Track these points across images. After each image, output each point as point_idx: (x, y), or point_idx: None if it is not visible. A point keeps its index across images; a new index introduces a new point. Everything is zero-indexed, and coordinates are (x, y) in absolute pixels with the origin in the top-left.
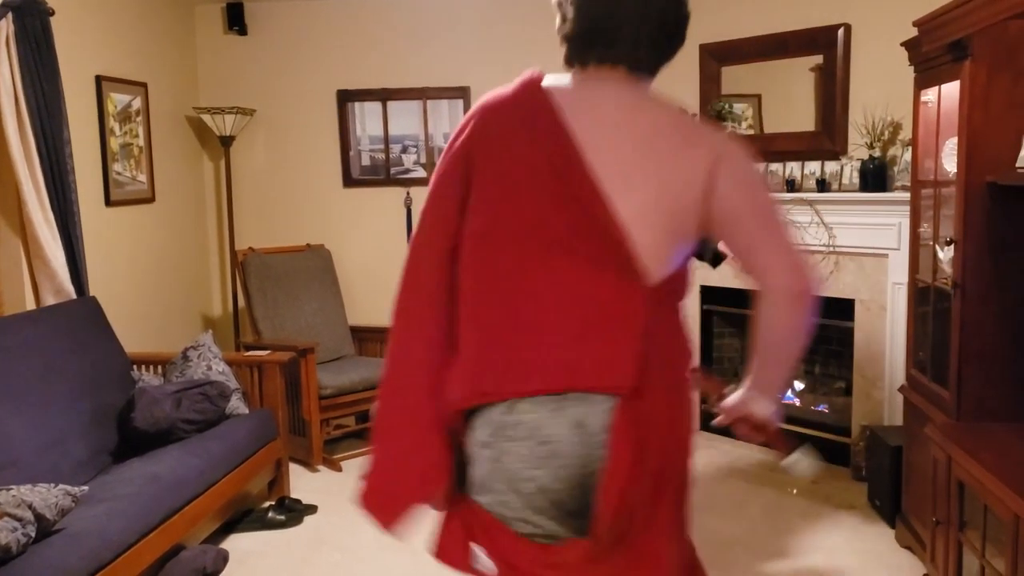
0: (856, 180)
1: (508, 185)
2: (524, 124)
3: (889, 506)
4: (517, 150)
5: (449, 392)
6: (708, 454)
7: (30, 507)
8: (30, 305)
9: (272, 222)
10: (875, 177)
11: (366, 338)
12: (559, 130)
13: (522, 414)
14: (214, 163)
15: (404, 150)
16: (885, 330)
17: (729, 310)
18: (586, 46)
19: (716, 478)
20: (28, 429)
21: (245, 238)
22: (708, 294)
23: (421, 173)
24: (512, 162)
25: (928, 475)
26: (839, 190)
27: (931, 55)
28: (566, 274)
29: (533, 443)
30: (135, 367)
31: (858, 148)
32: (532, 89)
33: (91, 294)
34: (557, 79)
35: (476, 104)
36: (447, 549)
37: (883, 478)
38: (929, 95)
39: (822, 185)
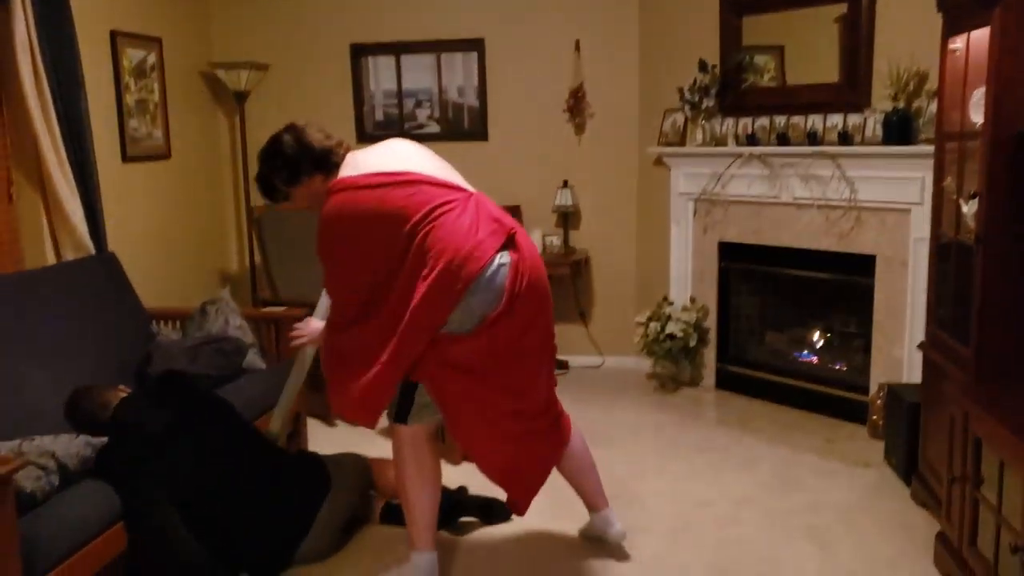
0: (879, 133)
1: None
2: None
3: (905, 464)
4: None
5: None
6: (721, 411)
7: (53, 456)
8: (50, 261)
9: None
10: (899, 129)
11: None
12: None
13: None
14: (229, 119)
15: (418, 104)
16: (906, 287)
17: (748, 266)
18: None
19: (730, 435)
20: (51, 381)
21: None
22: (726, 251)
23: (435, 128)
24: None
25: (945, 433)
26: (862, 143)
27: (960, 1)
28: None
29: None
30: (153, 321)
31: (882, 100)
32: None
33: (110, 250)
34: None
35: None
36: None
37: (900, 436)
38: (957, 43)
39: (844, 138)
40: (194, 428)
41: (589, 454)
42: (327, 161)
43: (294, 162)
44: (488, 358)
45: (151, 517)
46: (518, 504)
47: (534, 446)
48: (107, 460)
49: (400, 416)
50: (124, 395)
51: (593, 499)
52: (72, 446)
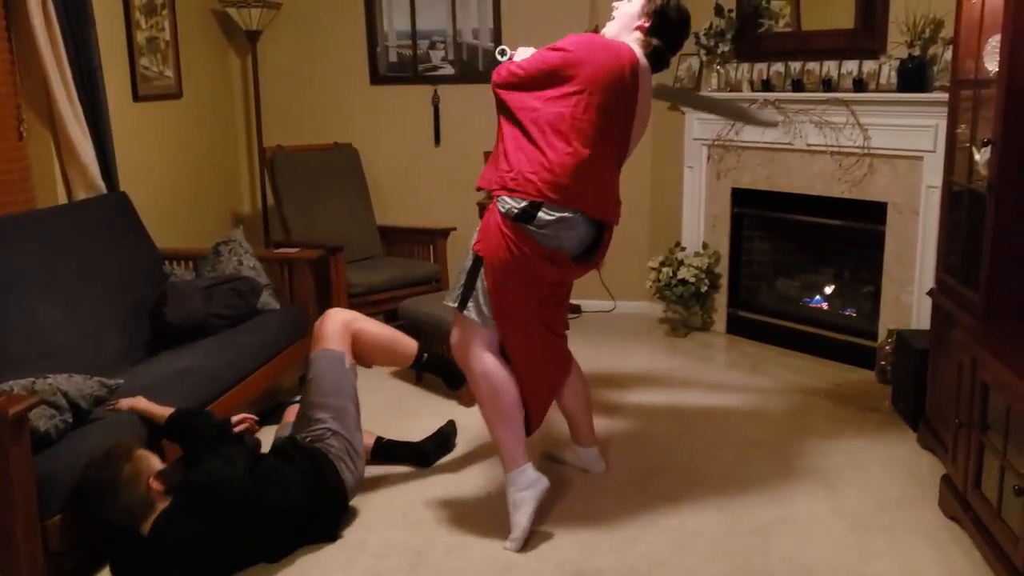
0: (894, 80)
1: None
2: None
3: (912, 409)
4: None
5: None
6: (731, 356)
7: (65, 395)
8: (62, 200)
9: (299, 119)
10: (914, 77)
11: (394, 238)
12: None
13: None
14: (241, 59)
15: (432, 46)
16: (917, 234)
17: (760, 213)
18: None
19: (741, 379)
20: (64, 320)
21: (272, 135)
22: (739, 197)
23: (449, 70)
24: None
25: (953, 378)
26: (876, 90)
27: None
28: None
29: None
30: (167, 262)
31: (898, 47)
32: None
33: (121, 190)
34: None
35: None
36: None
37: (908, 381)
38: None
39: (859, 85)
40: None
41: (590, 392)
42: (662, 45)
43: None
44: (552, 273)
45: None
46: (530, 422)
47: (560, 361)
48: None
49: (463, 302)
50: (161, 497)
51: (589, 435)
52: (85, 386)
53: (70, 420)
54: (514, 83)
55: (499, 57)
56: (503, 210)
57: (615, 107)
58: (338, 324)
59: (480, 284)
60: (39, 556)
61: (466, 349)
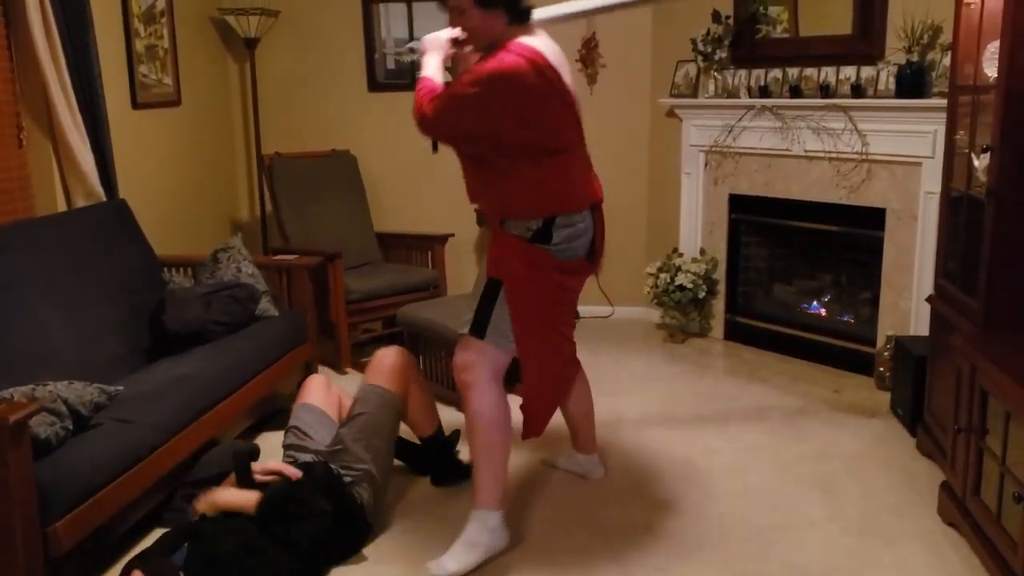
0: (892, 86)
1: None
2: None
3: (911, 415)
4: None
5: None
6: (729, 362)
7: (65, 402)
8: (61, 207)
9: (297, 126)
10: (912, 83)
11: (392, 245)
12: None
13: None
14: (239, 66)
15: None
16: (915, 240)
17: (758, 219)
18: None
19: (738, 385)
20: (64, 327)
21: (271, 142)
22: (737, 203)
23: (446, 77)
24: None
25: (951, 384)
26: (874, 96)
27: None
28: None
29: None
30: (165, 269)
31: (896, 52)
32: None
33: (121, 197)
34: (538, 42)
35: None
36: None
37: (906, 387)
38: None
39: (857, 91)
40: None
41: (592, 400)
42: (521, 10)
43: None
44: (569, 281)
45: None
46: (537, 426)
47: (571, 367)
48: None
49: (478, 327)
50: None
51: (590, 442)
52: (85, 393)
53: (70, 427)
54: (448, 137)
55: (410, 56)
56: (518, 234)
57: (552, 105)
58: (402, 366)
59: (497, 308)
60: (39, 563)
61: (471, 377)
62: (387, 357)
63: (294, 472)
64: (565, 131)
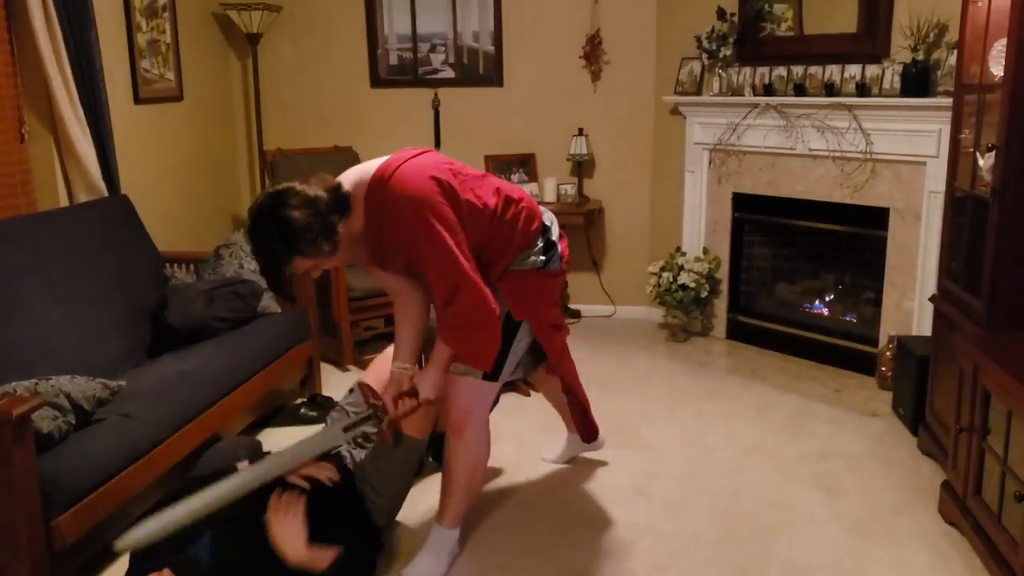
0: (897, 85)
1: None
2: None
3: (913, 414)
4: None
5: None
6: (731, 361)
7: (68, 397)
8: (63, 202)
9: (299, 123)
10: (917, 81)
11: None
12: None
13: None
14: (241, 62)
15: (432, 49)
16: (919, 240)
17: (761, 218)
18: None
19: (740, 384)
20: (66, 323)
21: (273, 138)
22: (740, 202)
23: (450, 73)
24: None
25: (954, 384)
26: (879, 95)
27: None
28: None
29: None
30: (168, 265)
31: (901, 51)
32: None
33: (122, 193)
34: (359, 175)
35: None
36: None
37: (908, 387)
38: None
39: (862, 89)
40: None
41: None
42: (342, 198)
43: (323, 222)
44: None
45: None
46: (591, 421)
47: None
48: None
49: (495, 374)
50: None
51: None
52: (88, 388)
53: (73, 422)
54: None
55: None
56: (530, 265)
57: (459, 212)
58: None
59: (514, 346)
60: (43, 557)
61: (469, 421)
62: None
63: (331, 476)
64: (481, 183)
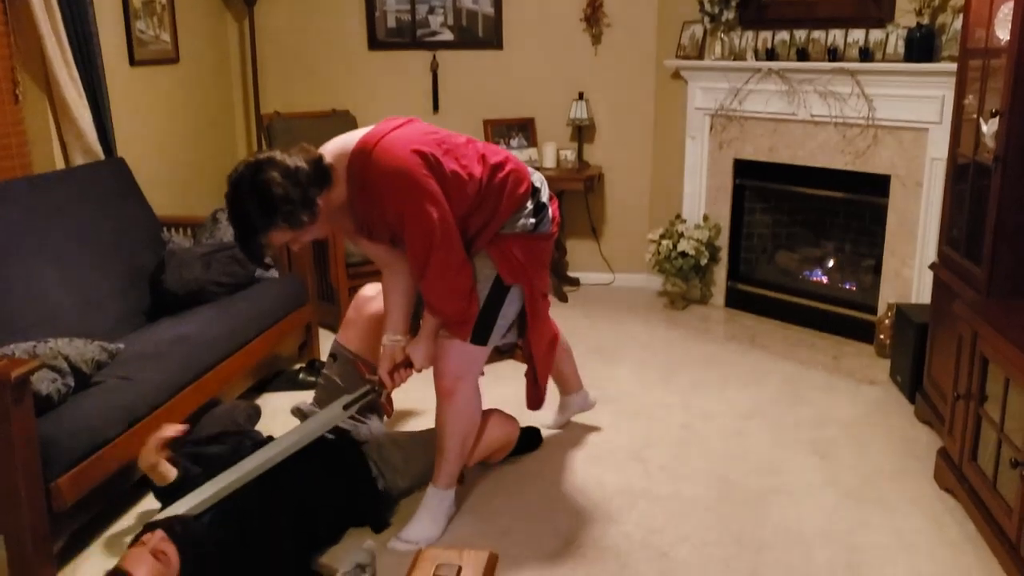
0: (901, 50)
1: None
2: None
3: (910, 382)
4: None
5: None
6: (730, 328)
7: (67, 360)
8: (59, 165)
9: (297, 86)
10: (921, 47)
11: None
12: None
13: None
14: (238, 23)
15: (431, 11)
16: (920, 207)
17: (762, 184)
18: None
19: (738, 351)
20: (64, 286)
21: (270, 101)
22: (741, 168)
23: (448, 36)
24: None
25: (952, 351)
26: (883, 60)
27: None
28: None
29: None
30: (165, 229)
31: (905, 15)
32: None
33: (119, 156)
34: (341, 144)
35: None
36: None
37: (906, 355)
38: None
39: (865, 54)
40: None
41: (566, 341)
42: (323, 169)
43: (303, 194)
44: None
45: None
46: (543, 395)
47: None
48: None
49: (482, 337)
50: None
51: (576, 379)
52: (86, 350)
53: (72, 384)
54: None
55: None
56: (520, 228)
57: (443, 183)
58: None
59: (503, 310)
60: (44, 517)
61: (459, 386)
62: (370, 302)
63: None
64: (466, 150)
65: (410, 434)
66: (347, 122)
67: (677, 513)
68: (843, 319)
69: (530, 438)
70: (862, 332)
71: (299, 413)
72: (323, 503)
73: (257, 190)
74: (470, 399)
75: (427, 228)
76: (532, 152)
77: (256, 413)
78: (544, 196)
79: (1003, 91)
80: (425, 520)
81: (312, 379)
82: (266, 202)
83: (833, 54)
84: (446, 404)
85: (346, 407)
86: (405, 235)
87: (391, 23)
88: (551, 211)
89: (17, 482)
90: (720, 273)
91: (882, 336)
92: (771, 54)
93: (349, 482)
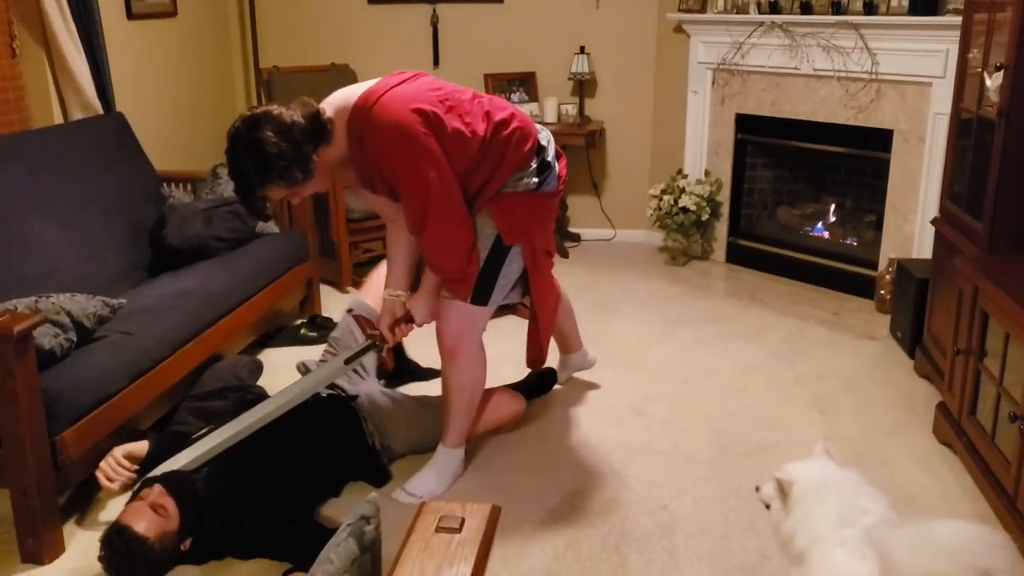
0: (905, 3)
1: None
2: None
3: (910, 337)
4: None
5: None
6: (730, 284)
7: (68, 314)
8: (58, 120)
9: (296, 39)
10: (926, 0)
11: None
12: None
13: None
14: None
15: None
16: (921, 162)
17: (764, 139)
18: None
19: (738, 307)
20: (65, 241)
21: (269, 56)
22: (743, 123)
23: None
24: None
25: (952, 306)
26: (887, 13)
27: None
28: None
29: None
30: (165, 184)
31: None
32: None
33: (118, 110)
34: (343, 97)
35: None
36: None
37: (907, 310)
38: None
39: (869, 8)
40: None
41: (567, 300)
42: (321, 124)
43: (298, 150)
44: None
45: None
46: (545, 353)
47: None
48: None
49: (482, 297)
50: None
51: (577, 338)
52: (88, 305)
53: (74, 339)
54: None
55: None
56: (523, 187)
57: (444, 105)
58: None
59: (504, 268)
60: (49, 471)
61: (462, 344)
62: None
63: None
64: (471, 106)
65: (418, 399)
66: (346, 77)
67: (677, 467)
68: (844, 274)
69: (547, 381)
70: (863, 287)
71: (304, 370)
72: (314, 452)
73: (252, 147)
74: (474, 357)
75: (423, 187)
76: (533, 107)
77: (258, 368)
78: (550, 155)
79: (1008, 45)
80: (431, 475)
81: (313, 335)
82: (260, 159)
83: (837, 7)
84: (449, 364)
85: (347, 362)
86: (401, 192)
87: None
88: (557, 169)
89: (23, 435)
90: (721, 229)
91: (882, 291)
92: (774, 7)
93: (338, 435)
